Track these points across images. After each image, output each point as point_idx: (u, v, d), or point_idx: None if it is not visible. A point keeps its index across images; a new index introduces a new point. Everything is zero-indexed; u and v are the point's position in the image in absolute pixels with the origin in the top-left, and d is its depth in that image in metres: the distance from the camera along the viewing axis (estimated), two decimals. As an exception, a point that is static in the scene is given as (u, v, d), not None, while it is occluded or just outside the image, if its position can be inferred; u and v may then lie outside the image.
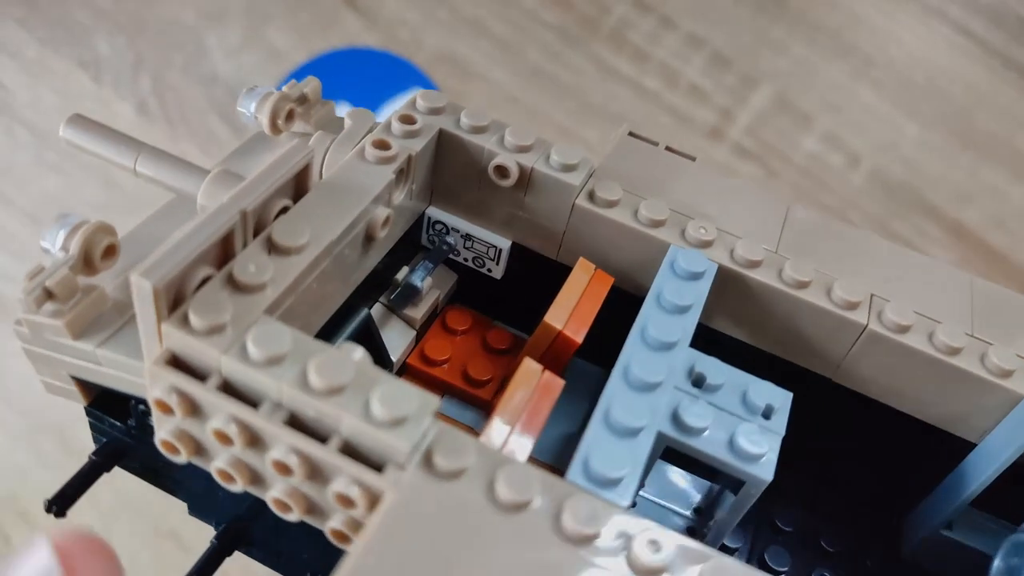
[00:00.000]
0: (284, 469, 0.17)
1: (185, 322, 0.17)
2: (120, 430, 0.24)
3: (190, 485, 0.26)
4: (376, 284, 0.25)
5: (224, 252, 0.19)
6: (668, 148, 0.28)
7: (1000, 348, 0.24)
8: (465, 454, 0.17)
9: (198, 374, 0.17)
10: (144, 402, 0.22)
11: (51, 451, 0.63)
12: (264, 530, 0.25)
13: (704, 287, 0.23)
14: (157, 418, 0.18)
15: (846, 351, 0.24)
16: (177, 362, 0.18)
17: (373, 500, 0.17)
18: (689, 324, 0.22)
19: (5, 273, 0.62)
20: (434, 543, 0.16)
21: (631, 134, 0.29)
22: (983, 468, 0.24)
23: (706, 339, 0.23)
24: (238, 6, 0.61)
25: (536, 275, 0.26)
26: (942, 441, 0.25)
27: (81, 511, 0.63)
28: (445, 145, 0.25)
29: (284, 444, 0.17)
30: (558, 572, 0.16)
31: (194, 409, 0.18)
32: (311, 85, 0.27)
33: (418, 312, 0.26)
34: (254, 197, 0.19)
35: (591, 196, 0.25)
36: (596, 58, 0.62)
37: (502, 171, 0.25)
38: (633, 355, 0.21)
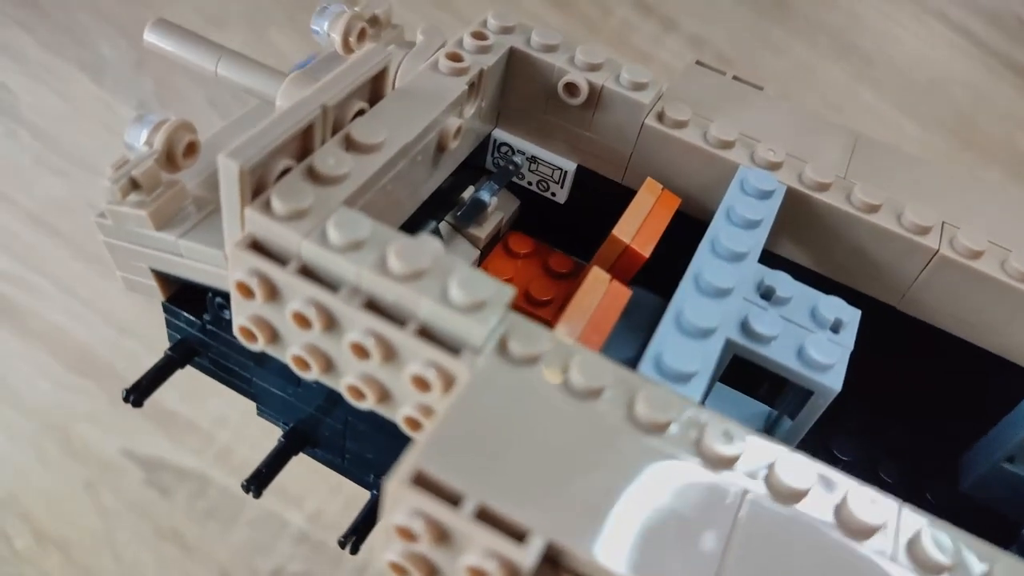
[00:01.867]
0: (361, 352, 0.17)
1: (267, 207, 0.18)
2: (196, 326, 0.25)
3: (261, 383, 0.26)
4: (442, 202, 0.25)
5: (304, 145, 0.19)
6: (735, 77, 0.28)
7: None
8: (539, 341, 0.17)
9: (279, 258, 0.18)
10: (221, 295, 0.22)
11: (52, 452, 0.63)
12: (330, 431, 0.25)
13: (773, 206, 0.23)
14: (236, 303, 0.18)
15: (914, 278, 0.24)
16: (258, 246, 0.18)
17: (448, 383, 0.17)
18: (759, 238, 0.22)
19: (6, 273, 0.62)
20: (507, 424, 0.16)
21: (698, 63, 0.29)
22: None
23: (770, 264, 0.23)
24: (240, 8, 0.62)
25: (600, 200, 0.26)
26: (1008, 372, 0.24)
27: (82, 511, 0.64)
28: (515, 63, 0.26)
29: (362, 327, 0.17)
30: (630, 457, 0.16)
31: (274, 293, 0.18)
32: (383, 7, 0.28)
33: (482, 232, 0.26)
34: (334, 93, 0.19)
35: (660, 116, 0.25)
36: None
37: (572, 89, 0.25)
38: (704, 263, 0.21)
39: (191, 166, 0.22)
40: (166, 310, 0.24)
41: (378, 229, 0.18)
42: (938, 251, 0.23)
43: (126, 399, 0.24)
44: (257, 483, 0.25)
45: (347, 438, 0.26)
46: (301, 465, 0.60)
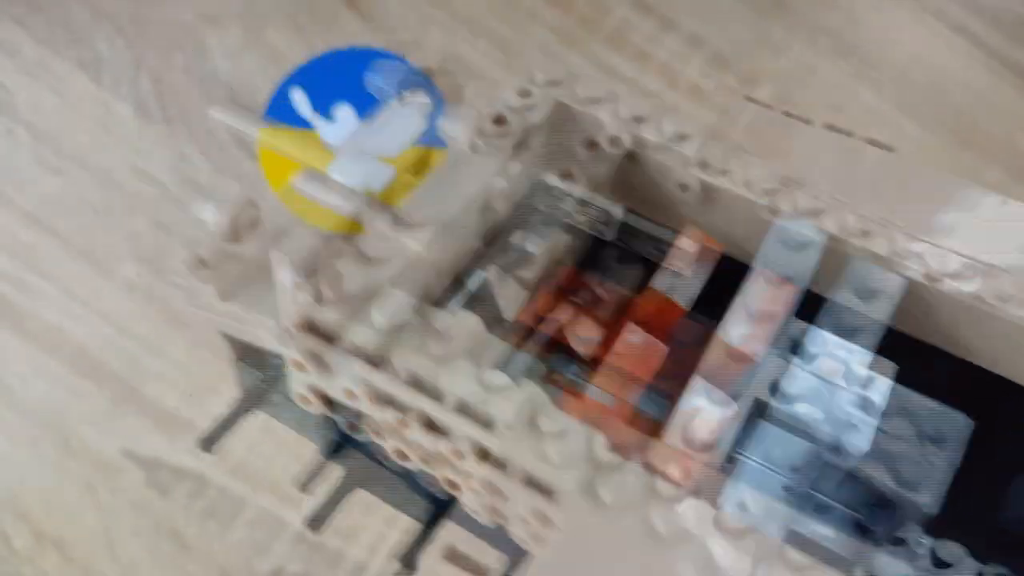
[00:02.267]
0: (403, 424, 0.19)
1: (318, 291, 0.19)
2: (259, 379, 0.26)
3: (324, 433, 0.27)
4: (494, 246, 0.26)
5: (354, 227, 0.21)
6: (786, 112, 0.28)
7: None
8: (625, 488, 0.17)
9: (329, 337, 0.19)
10: (279, 356, 0.23)
11: (51, 452, 0.62)
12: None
13: (811, 258, 0.23)
14: (293, 374, 0.20)
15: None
16: (310, 326, 0.19)
17: (482, 453, 0.18)
18: (790, 294, 0.21)
19: (5, 274, 0.62)
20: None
21: (747, 98, 0.28)
22: None
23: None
24: (237, 6, 0.61)
25: (647, 243, 0.26)
26: None
27: (80, 511, 0.64)
28: (561, 115, 0.26)
29: (408, 405, 0.18)
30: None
31: (325, 367, 0.19)
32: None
33: (531, 273, 0.27)
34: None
35: (703, 165, 0.25)
36: (597, 58, 0.62)
37: (614, 141, 0.26)
38: (733, 324, 0.21)
39: (255, 236, 0.24)
40: (235, 365, 0.26)
41: (423, 310, 0.19)
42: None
43: (199, 446, 0.26)
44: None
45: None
46: (301, 465, 0.60)
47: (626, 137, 0.25)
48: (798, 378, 0.20)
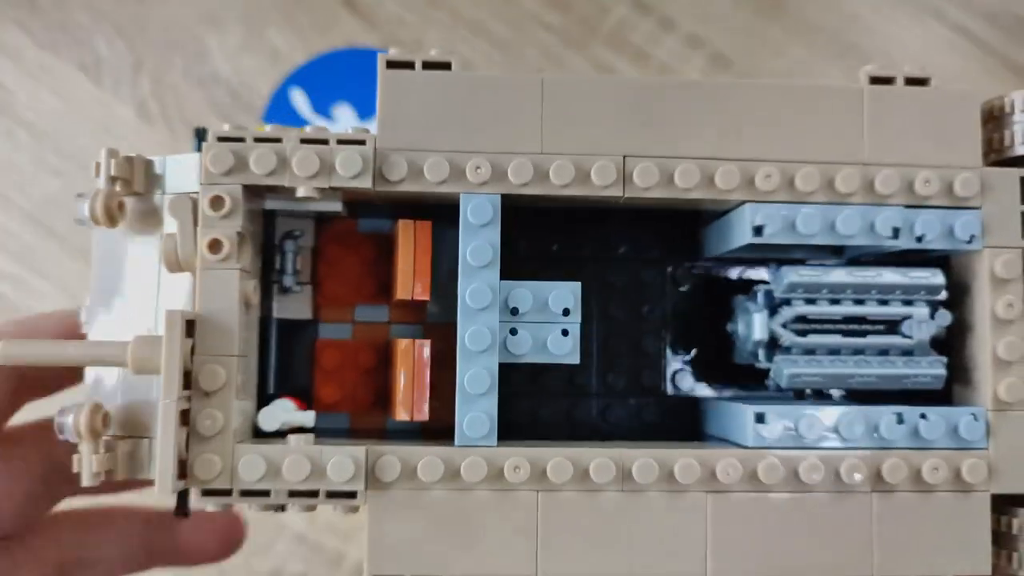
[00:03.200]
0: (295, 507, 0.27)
1: (197, 482, 0.26)
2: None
3: None
4: (264, 287, 0.29)
5: (185, 418, 0.26)
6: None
7: None
8: (393, 470, 0.26)
9: (224, 492, 0.26)
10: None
11: (51, 452, 0.62)
12: None
13: (495, 233, 0.27)
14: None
15: None
16: (210, 492, 0.26)
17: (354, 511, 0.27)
18: (493, 279, 0.27)
19: (5, 274, 0.62)
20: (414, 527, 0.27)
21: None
22: None
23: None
24: (237, 8, 0.61)
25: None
26: None
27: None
28: (255, 189, 0.28)
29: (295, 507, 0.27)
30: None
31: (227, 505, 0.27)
32: (126, 169, 0.28)
33: (304, 275, 0.30)
34: (175, 389, 0.25)
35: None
36: (596, 58, 0.62)
37: (307, 199, 0.28)
38: (464, 326, 0.27)
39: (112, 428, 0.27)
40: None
41: (269, 453, 0.26)
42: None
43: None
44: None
45: None
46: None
47: (316, 195, 0.28)
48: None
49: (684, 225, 0.31)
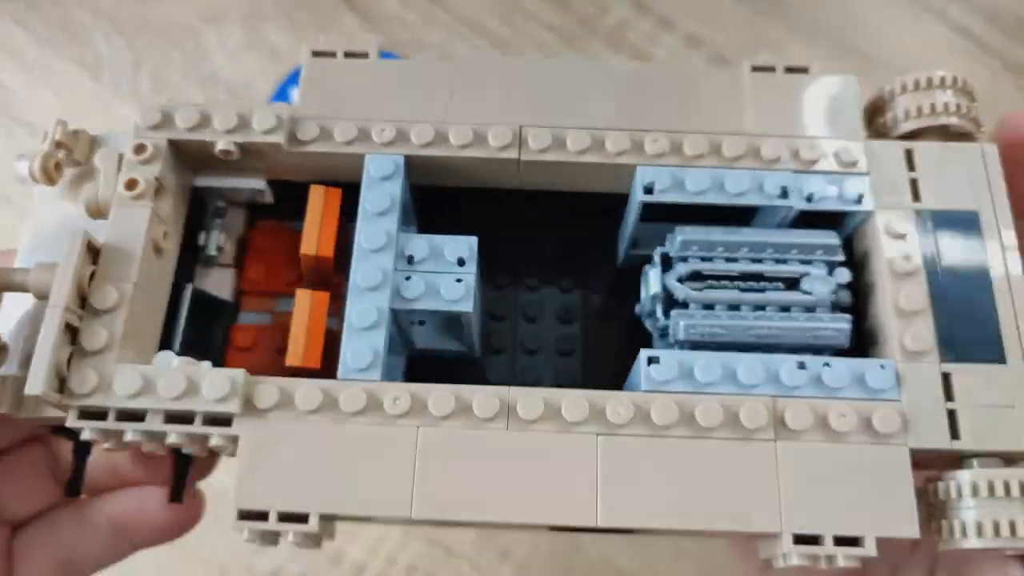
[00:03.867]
0: (175, 446, 0.26)
1: (72, 397, 0.25)
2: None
3: None
4: (187, 260, 0.30)
5: (72, 333, 0.26)
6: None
7: None
8: (268, 396, 0.26)
9: (100, 415, 0.26)
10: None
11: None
12: None
13: (396, 187, 0.29)
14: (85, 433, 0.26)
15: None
16: (86, 414, 0.26)
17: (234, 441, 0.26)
18: (390, 226, 0.28)
19: (5, 273, 0.62)
20: (281, 451, 0.26)
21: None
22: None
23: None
24: (237, 6, 0.61)
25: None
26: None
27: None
28: (181, 149, 0.30)
29: (173, 434, 0.26)
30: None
31: (107, 434, 0.26)
32: (71, 139, 0.31)
33: (228, 256, 0.31)
34: (64, 296, 0.25)
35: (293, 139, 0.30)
36: (596, 58, 0.62)
37: (225, 152, 0.30)
38: (356, 267, 0.27)
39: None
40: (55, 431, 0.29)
41: (147, 371, 0.25)
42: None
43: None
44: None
45: None
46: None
47: (231, 148, 0.29)
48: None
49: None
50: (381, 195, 0.28)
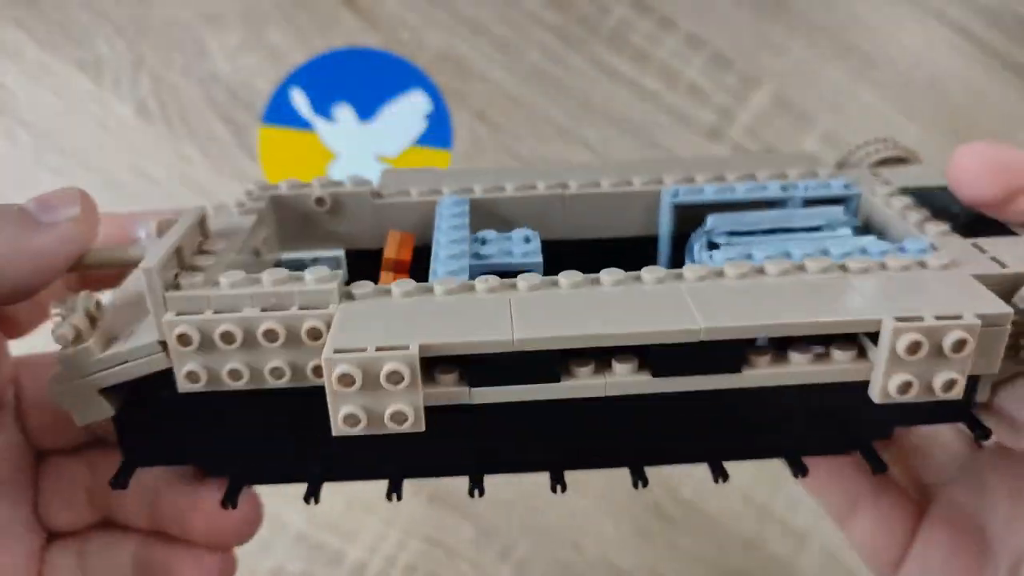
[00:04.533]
0: (272, 335, 0.24)
1: (178, 286, 0.25)
2: (145, 418, 0.28)
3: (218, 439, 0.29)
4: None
5: (180, 258, 0.26)
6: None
7: None
8: (365, 286, 0.26)
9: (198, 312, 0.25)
10: (160, 375, 0.26)
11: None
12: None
13: (466, 210, 0.32)
14: (177, 356, 0.25)
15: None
16: (181, 312, 0.25)
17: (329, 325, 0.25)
18: (464, 231, 0.30)
19: (5, 274, 0.62)
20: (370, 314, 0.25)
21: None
22: None
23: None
24: (237, 7, 0.61)
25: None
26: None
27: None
28: (281, 205, 0.33)
29: (268, 320, 0.24)
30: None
31: (197, 338, 0.25)
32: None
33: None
34: (185, 228, 0.27)
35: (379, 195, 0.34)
36: (596, 58, 0.62)
37: (320, 201, 0.33)
38: (437, 252, 0.29)
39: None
40: (117, 419, 0.27)
41: (249, 274, 0.26)
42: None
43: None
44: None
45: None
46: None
47: (326, 196, 0.33)
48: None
49: None
50: (454, 211, 0.31)
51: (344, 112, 0.62)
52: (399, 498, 0.28)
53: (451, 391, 0.24)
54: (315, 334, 0.24)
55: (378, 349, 0.23)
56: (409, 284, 0.25)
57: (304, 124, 0.62)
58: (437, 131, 0.62)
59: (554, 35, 0.62)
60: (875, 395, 0.24)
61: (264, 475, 0.30)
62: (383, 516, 0.60)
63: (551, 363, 0.24)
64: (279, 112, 0.62)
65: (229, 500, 0.28)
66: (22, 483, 0.30)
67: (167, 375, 0.25)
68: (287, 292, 0.25)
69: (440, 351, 0.23)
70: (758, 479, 0.61)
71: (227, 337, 0.24)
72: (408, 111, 0.62)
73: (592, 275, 0.26)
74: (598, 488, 0.61)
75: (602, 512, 0.61)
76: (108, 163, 0.61)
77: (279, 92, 0.62)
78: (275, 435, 0.28)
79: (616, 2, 0.62)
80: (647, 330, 0.23)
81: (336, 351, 0.22)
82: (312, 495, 0.29)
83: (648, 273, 0.26)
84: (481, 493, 0.27)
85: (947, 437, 0.36)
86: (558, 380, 0.24)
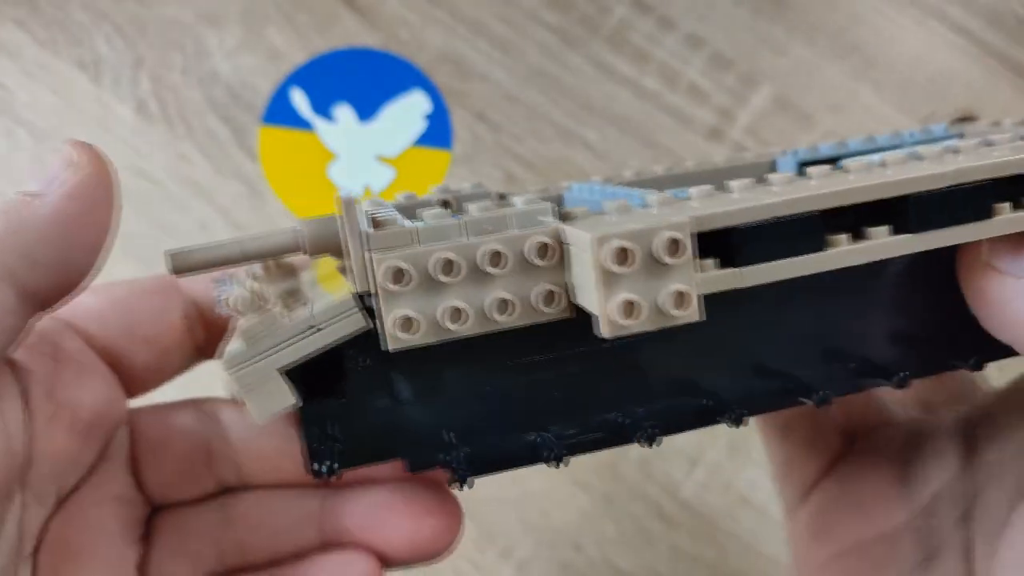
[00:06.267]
0: (497, 258, 0.21)
1: (376, 224, 0.22)
2: (335, 405, 0.24)
3: (418, 417, 0.25)
4: None
5: None
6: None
7: None
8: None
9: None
10: (352, 350, 0.23)
11: (51, 452, 0.62)
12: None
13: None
14: (386, 303, 0.21)
15: None
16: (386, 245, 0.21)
17: (558, 242, 0.22)
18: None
19: (5, 274, 0.62)
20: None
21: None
22: None
23: None
24: (237, 7, 0.61)
25: None
26: None
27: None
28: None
29: (491, 242, 0.21)
30: None
31: (411, 272, 0.21)
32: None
33: None
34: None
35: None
36: (596, 58, 0.62)
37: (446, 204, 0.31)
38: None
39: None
40: (304, 412, 0.24)
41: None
42: None
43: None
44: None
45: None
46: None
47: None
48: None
49: None
50: (591, 189, 0.31)
51: (344, 112, 0.62)
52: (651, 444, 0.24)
53: (723, 274, 0.22)
54: (544, 251, 0.21)
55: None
56: (621, 202, 0.23)
57: (304, 124, 0.62)
58: (437, 131, 0.62)
59: (554, 35, 0.62)
60: None
61: (494, 459, 0.25)
62: (383, 516, 0.60)
63: (816, 230, 0.23)
64: (279, 112, 0.62)
65: (460, 484, 0.24)
66: (129, 540, 0.27)
67: (364, 341, 0.22)
68: (500, 216, 0.22)
69: (713, 223, 0.21)
70: (758, 480, 0.61)
71: (448, 267, 0.21)
72: (408, 111, 0.62)
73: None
74: (598, 488, 0.61)
75: (602, 512, 0.61)
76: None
77: (279, 92, 0.62)
78: (497, 400, 0.24)
79: (616, 2, 0.61)
80: (903, 178, 0.23)
81: (600, 236, 0.20)
82: (557, 460, 0.24)
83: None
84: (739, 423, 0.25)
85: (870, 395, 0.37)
86: (822, 249, 0.23)
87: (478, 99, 0.62)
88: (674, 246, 0.20)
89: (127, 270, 0.63)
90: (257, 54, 0.62)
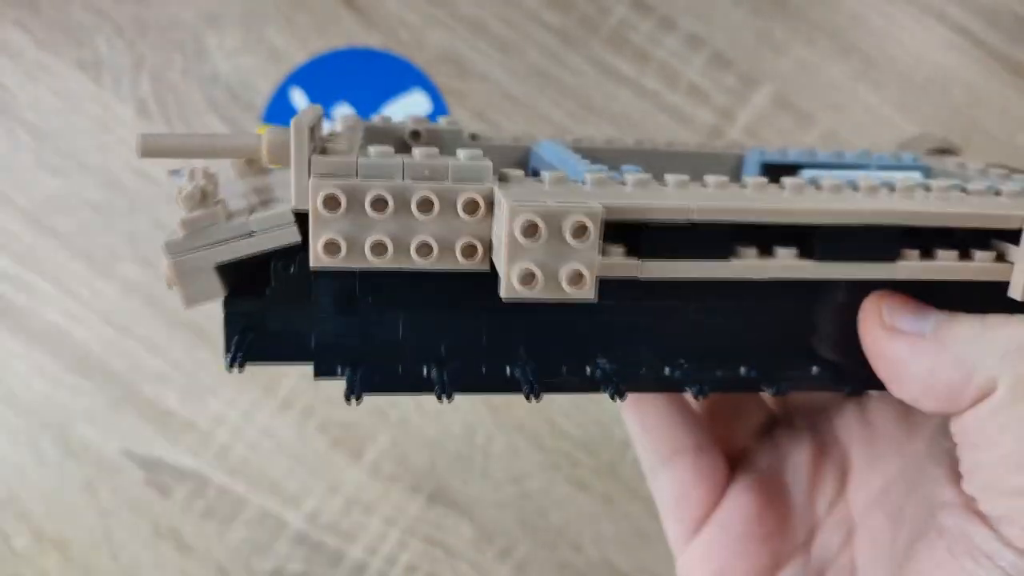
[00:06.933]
0: (427, 205, 0.22)
1: (324, 151, 0.23)
2: (258, 304, 0.26)
3: (330, 327, 0.26)
4: None
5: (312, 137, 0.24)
6: None
7: None
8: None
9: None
10: (282, 256, 0.25)
11: (51, 452, 0.62)
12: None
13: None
14: (317, 224, 0.22)
15: None
16: (326, 176, 0.23)
17: (488, 202, 0.23)
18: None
19: (5, 274, 0.62)
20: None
21: None
22: None
23: None
24: (237, 7, 0.61)
25: None
26: None
27: (80, 511, 0.64)
28: (373, 136, 0.34)
29: (423, 188, 0.23)
30: None
31: (351, 199, 0.22)
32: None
33: None
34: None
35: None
36: (596, 58, 0.62)
37: (415, 135, 0.35)
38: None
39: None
40: (228, 303, 0.26)
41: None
42: None
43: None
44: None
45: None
46: (301, 465, 0.60)
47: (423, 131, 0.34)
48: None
49: None
50: (559, 149, 0.31)
51: (344, 112, 0.62)
52: (536, 399, 0.26)
53: (623, 262, 0.23)
54: (472, 207, 0.23)
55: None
56: (560, 174, 0.24)
57: (304, 124, 0.62)
58: (437, 131, 0.62)
59: (554, 35, 0.62)
60: (1016, 294, 0.25)
61: (389, 380, 0.27)
62: (383, 516, 0.60)
63: (723, 240, 0.24)
64: (279, 112, 0.62)
65: (350, 398, 0.25)
66: None
67: (294, 253, 0.24)
68: (441, 165, 0.23)
69: (622, 214, 0.22)
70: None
71: (378, 203, 0.22)
72: (408, 111, 0.62)
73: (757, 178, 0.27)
74: (598, 488, 0.61)
75: (602, 512, 0.61)
76: (108, 163, 0.61)
77: (279, 92, 0.62)
78: (405, 330, 0.26)
79: (616, 2, 0.61)
80: (821, 208, 0.24)
81: (517, 201, 0.21)
82: (444, 394, 0.26)
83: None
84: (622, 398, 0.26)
85: (755, 402, 0.37)
86: (727, 259, 0.24)
87: (478, 99, 0.62)
88: (581, 230, 0.21)
89: (127, 270, 0.63)
90: (257, 54, 0.62)
